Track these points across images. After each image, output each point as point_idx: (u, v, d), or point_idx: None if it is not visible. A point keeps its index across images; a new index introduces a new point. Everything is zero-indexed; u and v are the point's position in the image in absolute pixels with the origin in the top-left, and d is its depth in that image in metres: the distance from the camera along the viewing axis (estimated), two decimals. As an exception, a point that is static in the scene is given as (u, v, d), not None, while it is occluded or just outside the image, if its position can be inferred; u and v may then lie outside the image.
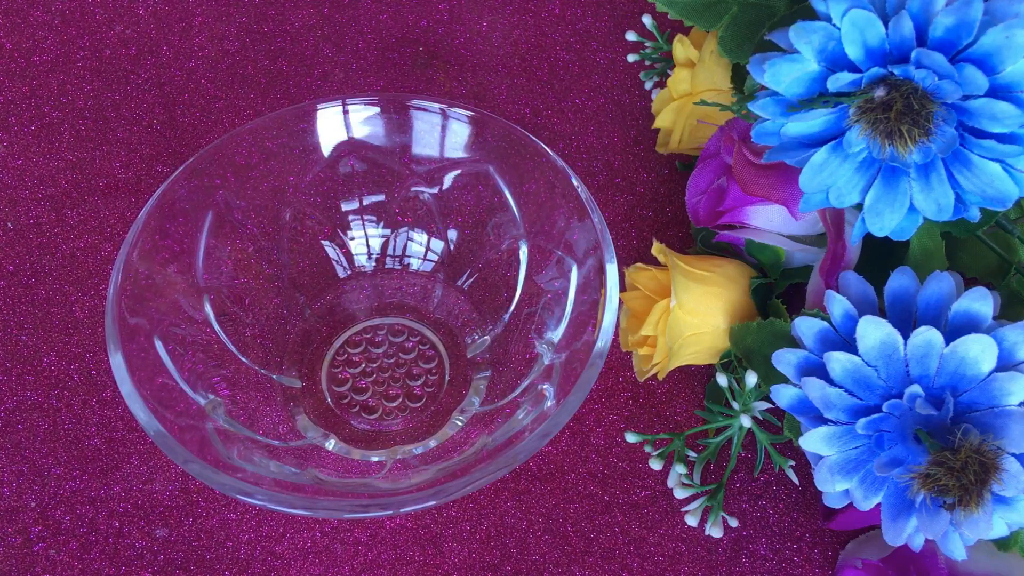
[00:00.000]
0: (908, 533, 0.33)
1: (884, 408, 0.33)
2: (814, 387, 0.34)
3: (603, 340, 0.37)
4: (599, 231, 0.40)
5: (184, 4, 0.59)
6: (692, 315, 0.41)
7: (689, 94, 0.48)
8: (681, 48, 0.48)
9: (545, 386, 0.40)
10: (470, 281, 0.46)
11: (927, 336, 0.32)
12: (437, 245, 0.47)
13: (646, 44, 0.55)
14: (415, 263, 0.47)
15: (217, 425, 0.38)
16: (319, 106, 0.44)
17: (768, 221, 0.43)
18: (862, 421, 0.33)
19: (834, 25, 0.31)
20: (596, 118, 0.55)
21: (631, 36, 0.54)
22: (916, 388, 0.32)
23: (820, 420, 0.34)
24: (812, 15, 0.32)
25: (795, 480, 0.42)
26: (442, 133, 0.44)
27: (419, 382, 0.45)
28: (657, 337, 0.41)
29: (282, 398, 0.43)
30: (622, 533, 0.42)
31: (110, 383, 0.45)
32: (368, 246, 0.47)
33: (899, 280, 0.34)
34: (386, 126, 0.45)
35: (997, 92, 0.30)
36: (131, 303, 0.38)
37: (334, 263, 0.47)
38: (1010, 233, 0.39)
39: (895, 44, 0.31)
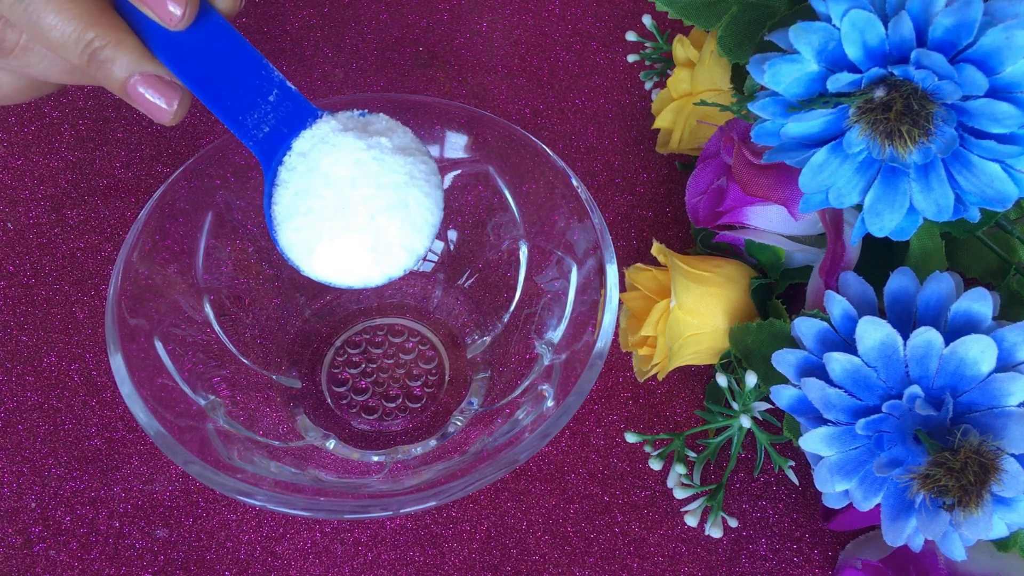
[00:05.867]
0: (908, 533, 0.33)
1: (884, 408, 0.33)
2: (814, 388, 0.34)
3: (603, 340, 0.37)
4: (599, 231, 0.40)
5: (184, 4, 0.59)
6: (692, 315, 0.41)
7: (689, 94, 0.48)
8: (681, 48, 0.48)
9: (545, 386, 0.40)
10: (470, 281, 0.46)
11: (927, 337, 0.32)
12: (437, 245, 0.47)
13: (646, 44, 0.55)
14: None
15: (217, 426, 0.38)
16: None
17: (768, 221, 0.43)
18: (862, 422, 0.33)
19: (834, 25, 0.31)
20: (596, 118, 0.55)
21: (631, 36, 0.54)
22: (916, 388, 0.32)
23: (820, 420, 0.34)
24: (812, 15, 0.32)
25: (795, 480, 0.42)
26: (442, 133, 0.44)
27: (419, 382, 0.45)
28: (657, 337, 0.41)
29: (282, 398, 0.43)
30: (622, 533, 0.43)
31: (110, 384, 0.45)
32: (368, 246, 0.47)
33: (899, 280, 0.34)
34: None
35: (997, 92, 0.30)
36: (131, 304, 0.38)
37: (334, 263, 0.47)
38: (1010, 233, 0.39)
39: (895, 44, 0.31)
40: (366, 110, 0.36)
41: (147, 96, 0.33)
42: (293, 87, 0.34)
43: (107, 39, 0.31)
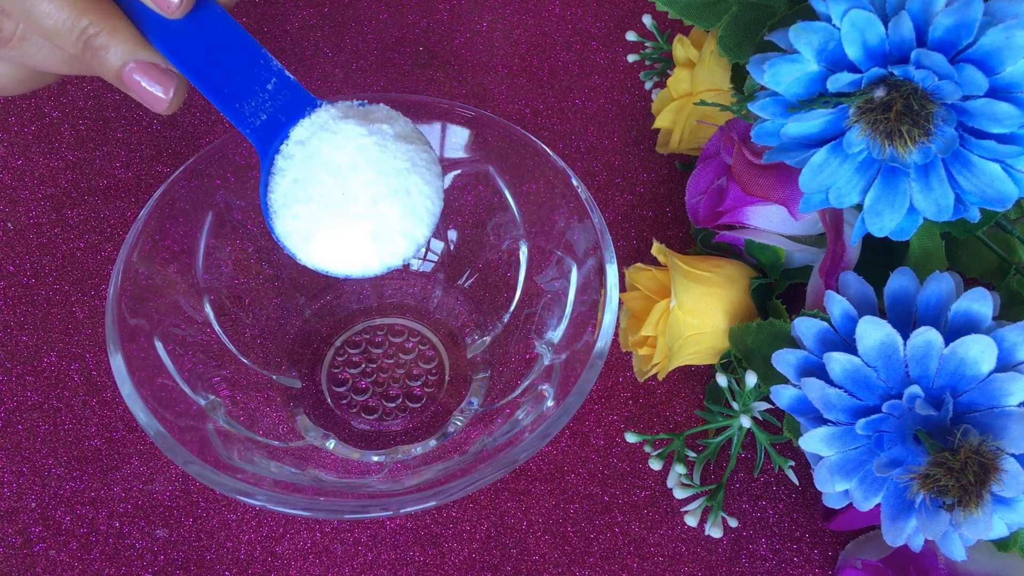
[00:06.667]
0: (908, 533, 0.33)
1: (884, 408, 0.33)
2: (814, 388, 0.34)
3: (603, 340, 0.37)
4: (599, 231, 0.40)
5: (184, 4, 0.59)
6: (692, 315, 0.41)
7: (689, 94, 0.48)
8: (681, 48, 0.48)
9: (545, 386, 0.40)
10: (470, 281, 0.46)
11: (927, 336, 0.32)
12: (437, 245, 0.47)
13: (646, 44, 0.55)
14: (415, 263, 0.47)
15: (217, 426, 0.38)
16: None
17: (768, 221, 0.43)
18: (862, 421, 0.33)
19: (834, 25, 0.31)
20: (596, 118, 0.55)
21: (631, 36, 0.54)
22: (916, 388, 0.32)
23: (820, 420, 0.34)
24: (812, 15, 0.32)
25: (795, 480, 0.42)
26: (442, 133, 0.44)
27: (419, 382, 0.45)
28: (657, 337, 0.41)
29: (282, 398, 0.43)
30: (622, 533, 0.43)
31: (110, 383, 0.45)
32: (368, 246, 0.47)
33: (899, 280, 0.34)
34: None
35: (997, 92, 0.30)
36: (131, 304, 0.38)
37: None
38: (1010, 233, 0.39)
39: (895, 44, 0.31)
40: (365, 100, 0.36)
41: (143, 84, 0.32)
42: (291, 76, 0.34)
43: (101, 26, 0.31)
